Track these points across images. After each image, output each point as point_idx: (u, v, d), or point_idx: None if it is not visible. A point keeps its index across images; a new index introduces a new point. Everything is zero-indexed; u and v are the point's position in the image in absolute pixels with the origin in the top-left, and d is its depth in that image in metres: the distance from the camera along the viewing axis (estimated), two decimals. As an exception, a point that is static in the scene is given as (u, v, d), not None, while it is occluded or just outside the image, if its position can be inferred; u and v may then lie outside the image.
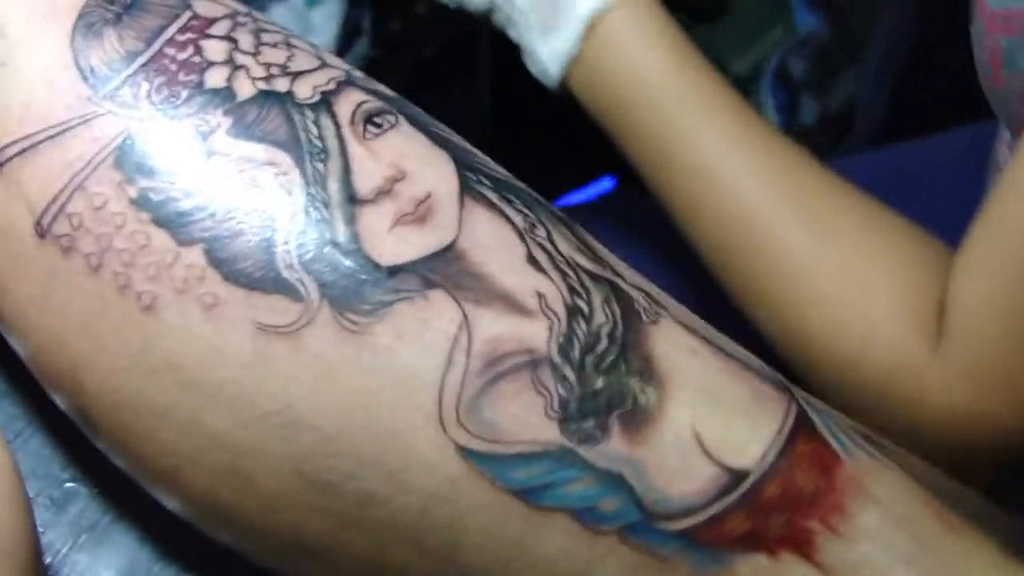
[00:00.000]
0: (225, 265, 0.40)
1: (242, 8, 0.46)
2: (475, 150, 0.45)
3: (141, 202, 0.41)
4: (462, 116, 1.33)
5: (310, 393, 0.40)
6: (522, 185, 0.44)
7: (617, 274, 0.42)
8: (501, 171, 0.44)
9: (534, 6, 0.77)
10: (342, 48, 1.18)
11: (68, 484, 0.49)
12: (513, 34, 0.81)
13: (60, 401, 0.44)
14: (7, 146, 0.43)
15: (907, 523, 0.40)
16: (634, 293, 0.42)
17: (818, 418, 0.42)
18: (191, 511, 0.44)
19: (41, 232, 0.42)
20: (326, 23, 1.17)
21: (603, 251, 0.44)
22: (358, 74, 0.45)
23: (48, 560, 0.47)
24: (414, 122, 0.44)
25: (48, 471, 0.49)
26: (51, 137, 0.42)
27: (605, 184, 1.41)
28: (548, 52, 0.78)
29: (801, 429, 0.41)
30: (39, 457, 0.49)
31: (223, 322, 0.40)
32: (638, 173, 0.79)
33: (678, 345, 0.41)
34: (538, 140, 1.41)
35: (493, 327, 0.39)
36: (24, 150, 0.42)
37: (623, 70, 0.78)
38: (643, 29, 0.78)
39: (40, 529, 0.47)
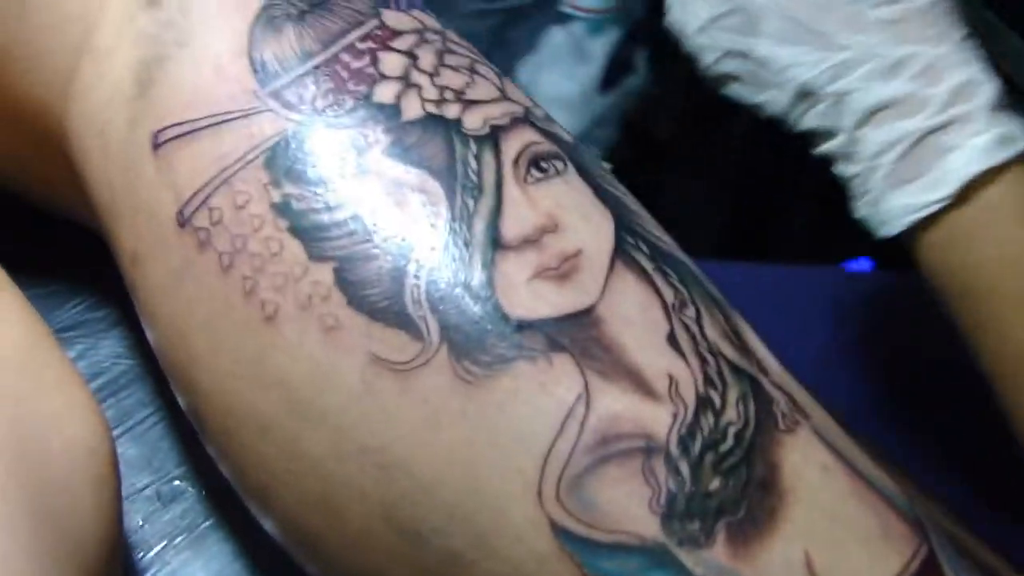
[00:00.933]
0: (352, 288, 0.39)
1: (435, 26, 0.45)
2: (642, 211, 0.43)
3: (282, 208, 0.40)
4: (722, 162, 1.32)
5: (412, 437, 0.39)
6: (684, 258, 0.42)
7: (763, 370, 0.40)
8: (665, 239, 0.43)
9: (888, 149, 0.73)
10: (609, 80, 1.19)
11: (177, 482, 0.49)
12: (845, 169, 0.76)
13: (176, 394, 0.44)
14: (168, 127, 0.43)
15: None
16: (776, 394, 0.39)
17: (947, 562, 0.39)
18: (280, 533, 0.44)
19: (182, 221, 0.42)
20: (601, 52, 1.17)
21: (755, 343, 0.42)
22: (539, 112, 0.44)
23: (139, 555, 0.47)
24: (583, 172, 0.42)
25: (161, 464, 0.49)
26: (210, 126, 0.42)
27: (863, 264, 1.39)
28: (900, 204, 0.73)
29: (928, 572, 0.38)
30: (155, 448, 0.49)
31: (339, 347, 0.39)
32: (966, 341, 0.74)
33: (809, 459, 0.39)
34: (806, 209, 1.39)
35: (614, 404, 0.38)
36: (183, 134, 0.42)
37: (993, 241, 0.73)
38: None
39: (140, 521, 0.47)
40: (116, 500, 0.43)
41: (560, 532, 0.37)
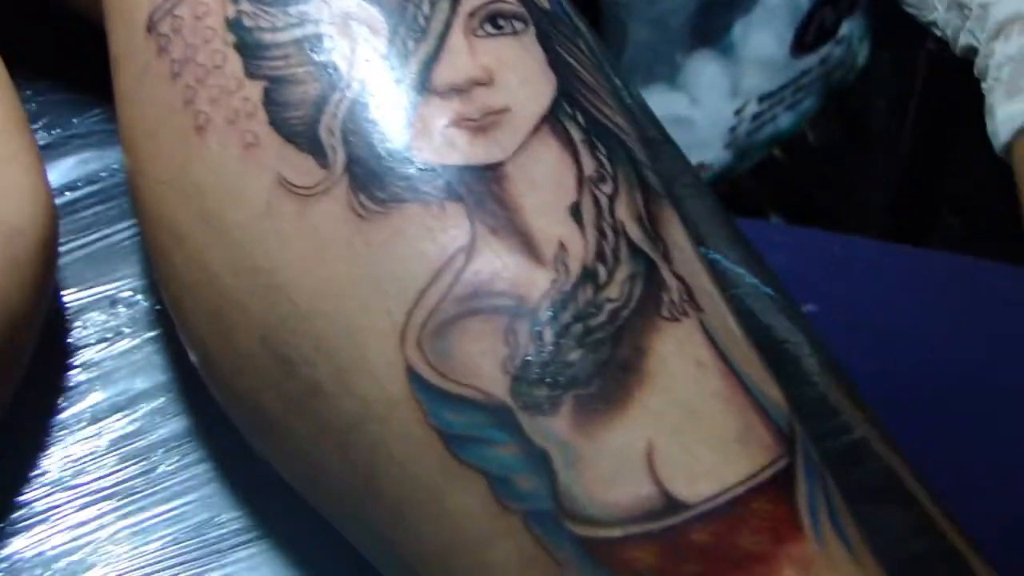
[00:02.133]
0: (276, 109, 0.40)
1: None
2: (603, 88, 0.42)
3: (233, 23, 0.41)
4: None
5: (299, 263, 0.39)
6: (627, 139, 0.41)
7: (667, 257, 0.39)
8: (616, 119, 0.42)
9: (1007, 62, 0.71)
10: (806, 44, 1.18)
11: (131, 293, 0.51)
12: (983, 86, 0.75)
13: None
14: None
15: None
16: (672, 282, 0.38)
17: (807, 486, 0.37)
18: (188, 347, 0.45)
19: (149, 26, 0.43)
20: (794, 13, 1.16)
21: (673, 232, 0.40)
22: None
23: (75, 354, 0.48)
24: (544, 37, 0.42)
25: (124, 275, 0.51)
26: None
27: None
28: (1005, 114, 0.72)
29: (774, 486, 0.36)
30: (125, 259, 0.52)
31: (252, 164, 0.40)
32: None
33: (684, 351, 0.37)
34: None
35: (494, 261, 0.37)
36: None
37: None
38: None
39: (84, 324, 0.49)
40: (31, 284, 0.45)
41: (414, 377, 0.37)
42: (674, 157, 0.57)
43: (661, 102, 1.20)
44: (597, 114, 0.41)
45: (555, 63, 0.41)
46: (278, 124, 0.39)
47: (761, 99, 1.21)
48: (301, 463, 0.42)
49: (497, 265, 0.37)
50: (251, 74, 0.40)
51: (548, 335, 0.36)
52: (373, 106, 0.39)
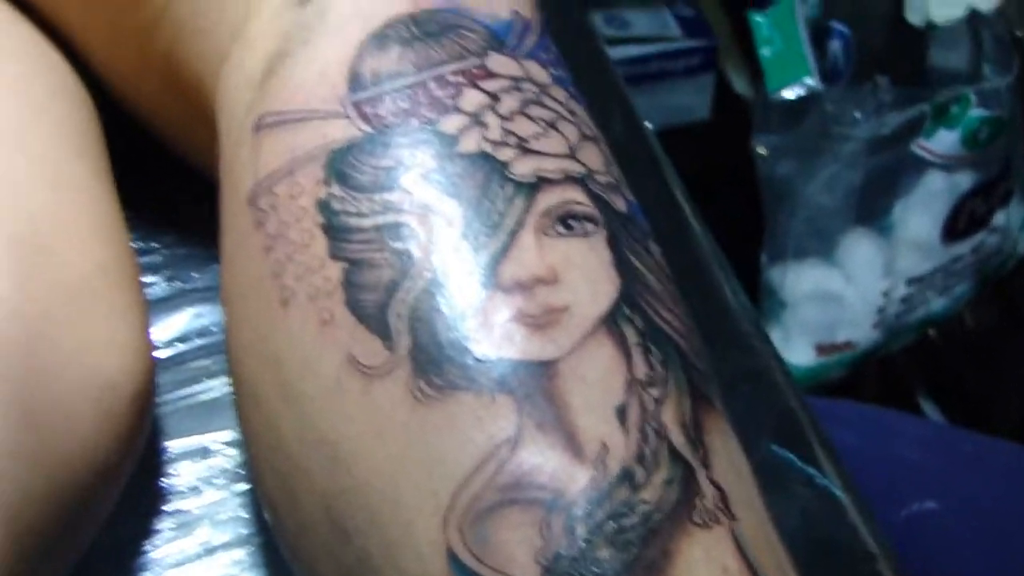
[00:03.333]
0: (353, 290, 0.41)
1: (541, 78, 0.46)
2: (669, 295, 0.43)
3: (322, 206, 0.43)
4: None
5: (360, 439, 0.40)
6: (685, 346, 0.42)
7: (706, 465, 0.40)
8: (676, 323, 0.43)
9: None
10: (957, 231, 1.17)
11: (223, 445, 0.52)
12: None
13: None
14: (270, 114, 0.45)
15: None
16: (708, 489, 0.39)
17: None
18: (265, 513, 0.46)
19: (250, 199, 0.45)
20: (946, 200, 1.15)
21: (719, 441, 0.41)
22: (604, 180, 0.44)
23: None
24: (614, 240, 0.43)
25: (219, 426, 0.53)
26: (296, 121, 0.44)
27: None
28: None
29: None
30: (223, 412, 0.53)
31: (326, 341, 0.41)
32: None
33: (711, 558, 0.38)
34: None
35: (537, 455, 0.38)
36: (275, 124, 0.45)
37: None
38: None
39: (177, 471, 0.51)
40: (123, 435, 0.47)
41: (452, 558, 0.38)
42: (766, 354, 0.57)
43: (814, 277, 1.20)
44: (656, 318, 0.42)
45: (620, 265, 0.42)
46: (353, 305, 0.41)
47: (910, 282, 1.20)
48: None
49: (539, 459, 0.38)
50: (334, 255, 0.42)
51: (581, 531, 0.37)
52: (440, 296, 0.40)
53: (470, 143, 0.43)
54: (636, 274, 0.43)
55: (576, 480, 0.38)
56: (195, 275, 0.56)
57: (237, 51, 0.48)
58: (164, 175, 0.55)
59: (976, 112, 1.04)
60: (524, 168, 0.43)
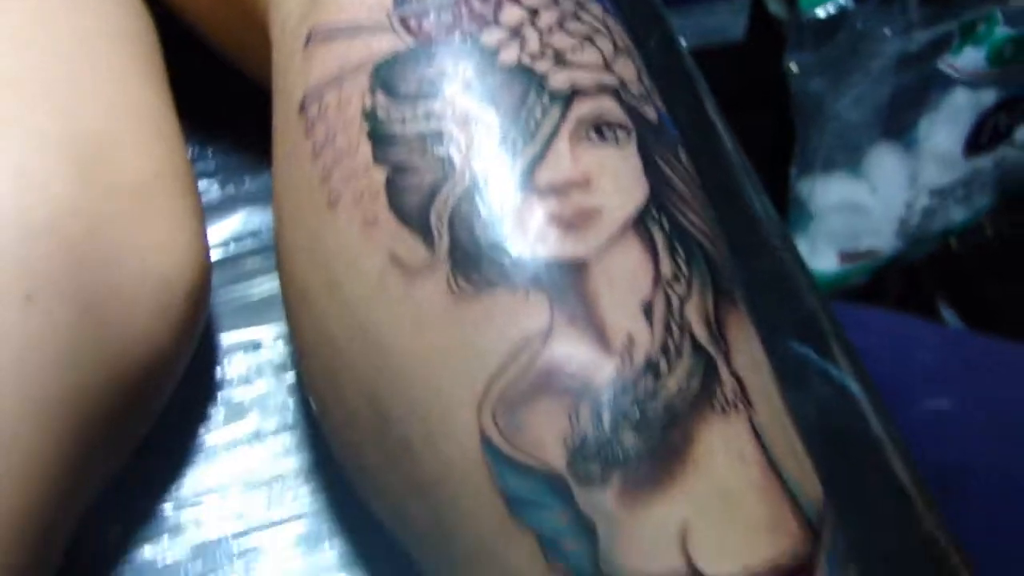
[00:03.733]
0: (395, 193, 0.42)
1: None
2: (695, 197, 0.44)
3: (369, 113, 0.43)
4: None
5: (402, 332, 0.41)
6: (708, 245, 0.43)
7: (727, 357, 0.41)
8: (701, 225, 0.43)
9: None
10: (979, 144, 1.16)
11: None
12: None
13: None
14: (320, 26, 0.46)
15: None
16: (728, 380, 0.40)
17: (826, 574, 0.38)
18: (311, 403, 0.47)
19: (301, 107, 0.45)
20: (970, 115, 1.15)
21: (739, 333, 0.42)
22: (637, 90, 0.45)
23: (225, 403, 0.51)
24: (644, 147, 0.43)
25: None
26: (346, 33, 0.45)
27: None
28: None
29: (795, 572, 0.38)
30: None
31: (370, 241, 0.42)
32: None
33: (729, 444, 0.39)
34: None
35: (568, 347, 0.39)
36: (326, 35, 0.45)
37: None
38: None
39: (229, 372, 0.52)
40: (179, 329, 0.48)
41: (486, 443, 0.39)
42: (790, 261, 0.58)
43: (840, 189, 1.20)
44: (682, 220, 0.42)
45: (649, 171, 0.42)
46: (396, 206, 0.42)
47: (932, 193, 1.20)
48: (391, 508, 0.44)
49: (569, 351, 0.39)
50: (378, 160, 0.42)
51: (607, 417, 0.38)
52: (478, 199, 0.41)
53: (510, 55, 0.43)
54: (665, 179, 0.43)
55: (603, 370, 0.39)
56: (247, 179, 0.57)
57: None
58: (218, 84, 0.55)
59: (1002, 31, 1.03)
60: (560, 79, 0.43)
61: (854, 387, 0.52)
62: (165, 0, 0.55)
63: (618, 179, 0.42)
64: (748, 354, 0.41)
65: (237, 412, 0.53)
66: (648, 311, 0.40)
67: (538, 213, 0.41)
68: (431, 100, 0.43)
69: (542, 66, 0.43)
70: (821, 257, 1.23)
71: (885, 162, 1.19)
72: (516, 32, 0.44)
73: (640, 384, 0.39)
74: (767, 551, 0.38)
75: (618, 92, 0.44)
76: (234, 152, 0.58)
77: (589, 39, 0.45)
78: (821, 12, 1.10)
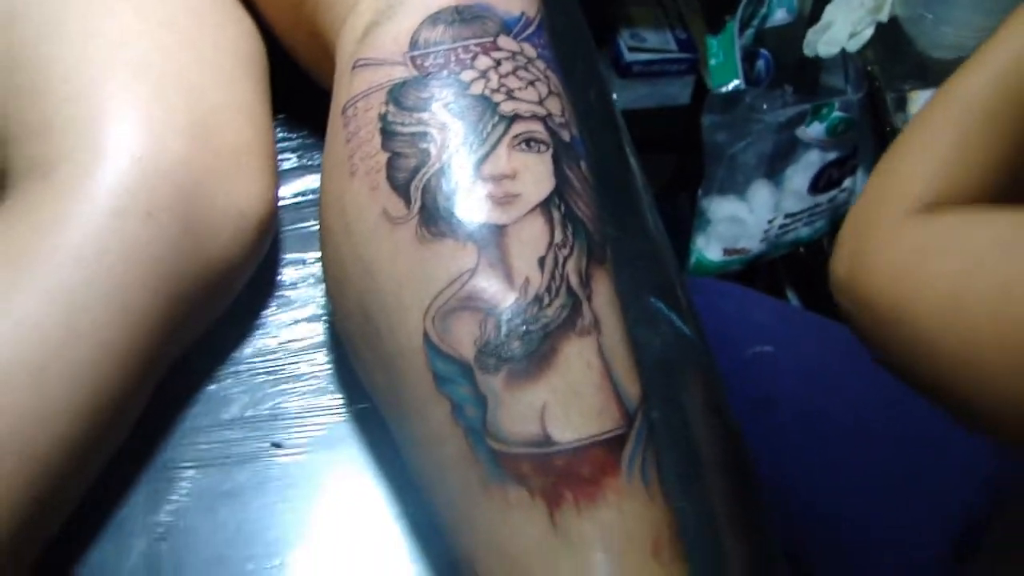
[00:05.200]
0: (392, 169, 0.42)
1: (530, 53, 0.45)
2: (586, 193, 0.43)
3: (383, 116, 0.43)
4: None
5: (383, 261, 0.41)
6: (589, 225, 0.42)
7: (589, 298, 0.40)
8: (587, 211, 0.43)
9: None
10: (819, 187, 1.15)
11: None
12: None
13: None
14: (361, 60, 0.45)
15: (623, 541, 0.37)
16: (587, 314, 0.39)
17: (632, 447, 0.38)
18: (331, 305, 0.47)
19: (343, 110, 0.45)
20: (815, 167, 1.14)
21: (600, 284, 0.41)
22: (559, 119, 0.44)
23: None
24: (557, 158, 0.42)
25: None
26: (376, 65, 0.44)
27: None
28: None
29: (611, 443, 0.37)
30: None
31: (372, 200, 0.42)
32: None
33: (581, 355, 0.39)
34: None
35: (485, 281, 0.39)
36: (364, 65, 0.45)
37: None
38: None
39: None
40: (251, 247, 0.47)
41: (426, 339, 0.39)
42: (663, 249, 0.57)
43: (730, 207, 1.19)
44: (574, 207, 0.42)
45: (557, 173, 0.42)
46: (390, 179, 0.41)
47: (788, 216, 1.20)
48: (368, 376, 0.43)
49: (486, 283, 0.39)
50: (384, 148, 0.42)
51: (503, 329, 0.38)
52: (443, 179, 0.41)
53: (477, 88, 0.43)
54: (567, 180, 0.42)
55: (506, 299, 0.39)
56: (316, 155, 0.56)
57: (351, 19, 0.47)
58: (305, 91, 0.55)
59: (837, 114, 1.02)
60: (507, 107, 0.43)
61: (689, 332, 0.52)
62: (278, 37, 0.54)
63: (535, 176, 0.41)
64: (605, 298, 0.41)
65: (286, 304, 0.51)
66: (542, 263, 0.40)
67: (479, 192, 0.41)
68: (422, 112, 0.43)
69: (497, 97, 0.43)
70: (712, 251, 1.22)
71: (760, 193, 1.18)
72: (484, 74, 0.44)
73: (529, 310, 0.39)
74: (596, 427, 0.37)
75: (545, 120, 0.43)
76: (309, 136, 0.57)
77: (532, 83, 0.44)
78: (723, 89, 1.10)
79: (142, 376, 0.43)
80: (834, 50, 0.93)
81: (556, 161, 0.43)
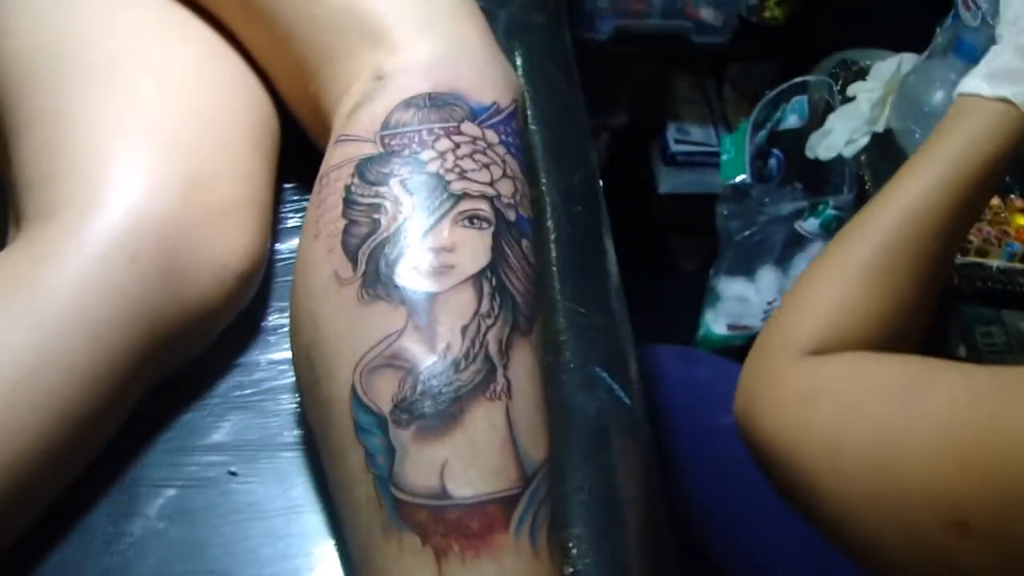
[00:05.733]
0: (347, 236, 0.41)
1: (492, 139, 0.44)
2: (521, 268, 0.42)
3: (345, 188, 0.43)
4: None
5: (327, 315, 0.40)
6: (523, 301, 0.41)
7: (505, 368, 0.39)
8: (520, 288, 0.41)
9: None
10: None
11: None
12: None
13: None
14: (343, 135, 0.45)
15: None
16: (500, 380, 0.38)
17: (524, 507, 0.36)
18: (292, 347, 0.45)
19: (319, 178, 0.45)
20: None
21: (519, 356, 0.40)
22: (507, 201, 0.43)
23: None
24: (496, 236, 0.42)
25: None
26: (352, 141, 0.44)
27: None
28: None
29: (504, 502, 0.36)
30: None
31: (327, 262, 0.41)
32: None
33: (489, 418, 0.37)
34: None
35: (409, 343, 0.38)
36: (344, 140, 0.45)
37: None
38: None
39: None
40: (230, 297, 0.47)
41: (352, 389, 0.38)
42: (622, 326, 0.55)
43: (738, 287, 1.17)
44: (506, 281, 0.41)
45: (495, 249, 0.41)
46: (343, 244, 0.41)
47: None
48: (312, 416, 0.42)
49: (409, 345, 0.38)
50: (343, 215, 0.41)
51: (419, 388, 0.37)
52: (388, 247, 0.40)
53: (433, 167, 0.42)
54: (503, 255, 0.41)
55: (426, 360, 0.38)
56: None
57: (344, 100, 0.47)
58: (317, 160, 0.55)
59: (831, 212, 1.00)
60: (457, 186, 0.42)
61: (628, 402, 0.50)
62: (288, 109, 0.54)
63: (472, 250, 0.41)
64: (522, 366, 0.40)
65: (266, 346, 0.51)
66: (464, 331, 0.39)
67: (418, 261, 0.40)
68: (381, 185, 0.43)
69: (449, 176, 0.43)
70: (719, 326, 1.20)
71: (767, 276, 1.16)
72: (442, 155, 0.43)
73: (444, 374, 0.38)
74: (491, 485, 0.36)
75: (493, 200, 0.43)
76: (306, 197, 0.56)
77: (487, 166, 0.44)
78: (735, 181, 1.08)
79: (112, 401, 0.43)
80: (832, 154, 0.91)
81: (496, 237, 0.42)
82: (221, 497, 0.44)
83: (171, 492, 0.44)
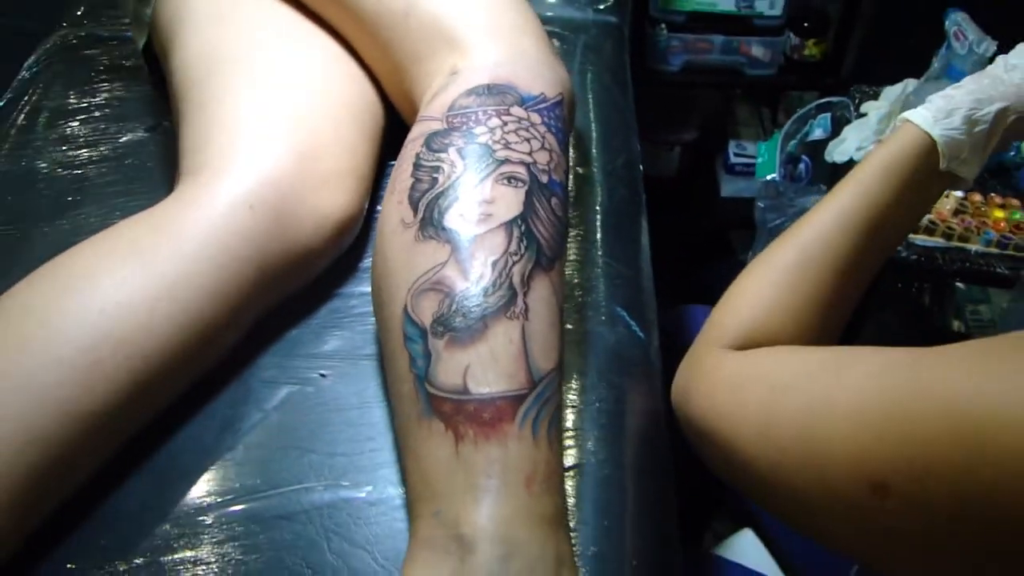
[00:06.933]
0: (411, 191, 0.40)
1: (537, 122, 0.42)
2: (549, 219, 0.40)
3: (416, 155, 0.41)
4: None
5: (392, 251, 0.39)
6: (546, 245, 0.39)
7: (525, 295, 0.36)
8: (547, 236, 0.39)
9: None
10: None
11: None
12: None
13: None
14: (422, 117, 0.43)
15: (503, 472, 0.33)
16: (520, 303, 0.36)
17: (529, 404, 0.34)
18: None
19: (402, 149, 0.43)
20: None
21: (542, 287, 0.37)
22: (542, 167, 0.41)
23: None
24: (530, 194, 0.39)
25: None
26: (427, 119, 0.43)
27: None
28: None
29: (513, 399, 0.34)
30: None
31: (396, 211, 0.40)
32: None
33: (507, 333, 0.35)
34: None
35: (449, 273, 0.37)
36: (421, 120, 0.43)
37: None
38: None
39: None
40: (328, 244, 0.45)
41: (404, 308, 0.37)
42: (646, 280, 0.51)
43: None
44: (533, 228, 0.39)
45: (527, 202, 0.39)
46: (410, 197, 0.39)
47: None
48: (380, 327, 0.40)
49: (449, 274, 0.36)
50: (411, 175, 0.40)
51: (454, 307, 0.35)
52: (442, 199, 0.39)
53: (483, 139, 0.41)
54: (533, 208, 0.39)
55: (461, 286, 0.36)
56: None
57: (428, 92, 0.46)
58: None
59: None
60: (501, 153, 0.40)
61: (642, 336, 0.47)
62: (392, 100, 0.53)
63: (507, 203, 0.39)
64: (539, 295, 0.38)
65: (361, 280, 0.49)
66: (494, 264, 0.37)
67: (464, 210, 0.38)
68: (442, 152, 0.41)
69: (496, 146, 0.41)
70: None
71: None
72: (491, 130, 0.41)
73: (475, 297, 0.36)
74: (503, 385, 0.34)
75: (529, 166, 0.40)
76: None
77: (527, 140, 0.42)
78: (767, 179, 1.01)
79: (231, 318, 0.41)
80: (844, 158, 0.84)
81: (528, 194, 0.40)
82: (313, 392, 0.43)
83: (276, 387, 0.43)
